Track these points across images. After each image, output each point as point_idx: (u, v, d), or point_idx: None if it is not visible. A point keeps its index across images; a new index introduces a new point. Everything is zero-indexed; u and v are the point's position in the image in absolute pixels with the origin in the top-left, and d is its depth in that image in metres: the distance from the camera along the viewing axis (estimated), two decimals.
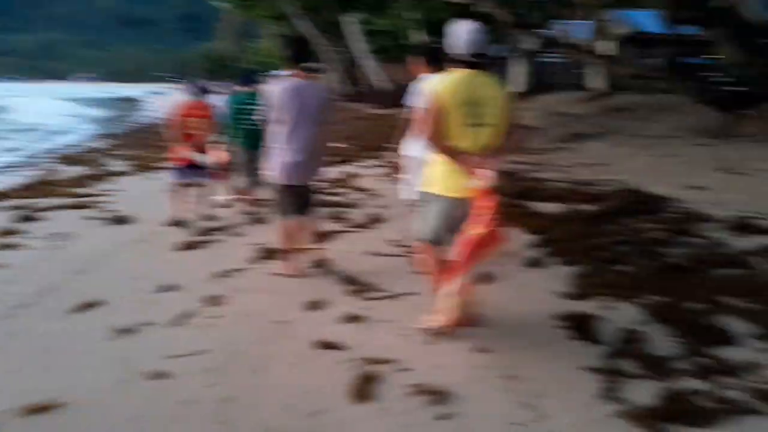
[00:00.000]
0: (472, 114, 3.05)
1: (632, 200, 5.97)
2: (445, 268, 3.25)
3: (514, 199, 6.67)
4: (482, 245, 3.03)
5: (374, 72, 30.31)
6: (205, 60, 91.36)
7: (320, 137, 4.26)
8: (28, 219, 6.36)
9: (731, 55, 11.49)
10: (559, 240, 4.97)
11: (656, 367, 2.85)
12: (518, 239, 5.21)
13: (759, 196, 6.38)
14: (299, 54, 4.22)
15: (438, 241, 3.32)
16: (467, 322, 3.39)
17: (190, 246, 5.48)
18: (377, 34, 31.25)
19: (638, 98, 17.00)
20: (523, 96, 23.80)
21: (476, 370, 3.04)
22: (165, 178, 7.98)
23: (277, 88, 4.19)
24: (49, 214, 6.69)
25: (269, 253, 5.08)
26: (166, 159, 11.06)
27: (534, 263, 4.56)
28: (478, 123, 3.07)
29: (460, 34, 3.06)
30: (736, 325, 3.34)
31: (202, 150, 6.21)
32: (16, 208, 6.85)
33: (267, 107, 4.24)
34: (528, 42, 27.27)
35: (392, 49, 34.54)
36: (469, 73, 3.08)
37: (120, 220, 6.52)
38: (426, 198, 3.30)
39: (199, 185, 6.37)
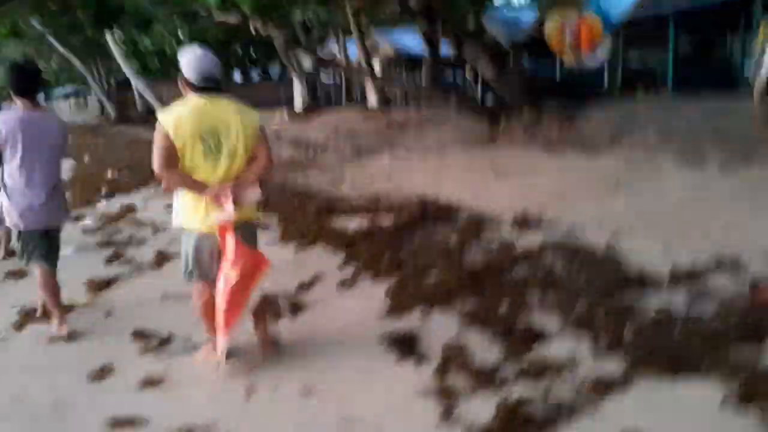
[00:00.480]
0: (209, 143, 2.93)
1: (426, 210, 6.20)
2: (212, 306, 3.09)
3: (314, 218, 6.55)
4: (243, 283, 2.95)
5: (144, 93, 28.17)
6: None
7: (57, 173, 3.94)
8: None
9: (485, 72, 12.92)
10: (364, 256, 4.90)
11: (485, 377, 2.83)
12: (325, 261, 5.06)
13: (527, 195, 7.12)
14: (25, 82, 3.77)
15: (200, 276, 3.15)
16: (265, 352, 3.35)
17: None
18: (143, 54, 29.27)
19: (411, 114, 18.29)
20: (303, 115, 24.21)
21: (307, 418, 2.75)
22: None
23: (4, 120, 3.70)
24: None
25: (34, 314, 4.21)
26: None
27: (345, 284, 4.41)
28: (217, 152, 2.95)
29: (189, 59, 2.97)
30: (545, 320, 3.48)
31: None
32: None
33: None
34: (305, 61, 27.88)
35: (160, 69, 32.67)
36: (205, 99, 2.96)
37: None
38: (181, 232, 3.17)
39: None
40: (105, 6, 15.06)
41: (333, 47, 31.68)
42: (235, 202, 2.90)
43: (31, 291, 4.32)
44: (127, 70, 27.35)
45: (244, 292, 2.98)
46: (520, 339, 3.19)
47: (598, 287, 3.77)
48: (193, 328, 3.76)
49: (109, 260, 5.67)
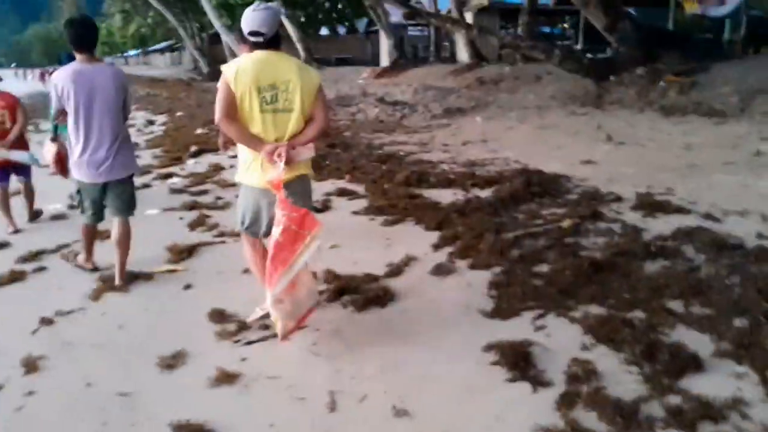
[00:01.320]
0: (266, 96, 2.90)
1: (529, 182, 5.51)
2: (263, 261, 3.07)
3: (404, 187, 6.04)
4: (287, 241, 2.87)
5: (233, 47, 28.42)
6: (41, 43, 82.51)
7: (122, 126, 3.91)
8: None
9: (595, 21, 11.64)
10: (461, 238, 4.34)
11: (625, 416, 2.23)
12: (416, 239, 4.55)
13: (648, 168, 6.24)
14: (83, 36, 3.75)
15: (252, 232, 3.23)
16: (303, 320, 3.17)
17: (13, 277, 4.27)
18: (232, 7, 29.49)
19: (505, 69, 17.15)
20: (389, 71, 23.46)
21: None
22: None
23: (58, 76, 3.72)
24: None
25: (113, 282, 4.01)
26: None
27: (440, 270, 3.88)
28: (273, 106, 2.92)
29: (245, 14, 2.92)
30: (694, 339, 2.81)
31: (17, 145, 5.42)
32: None
33: (53, 97, 3.77)
34: (392, 14, 26.97)
35: None
36: (268, 54, 2.93)
37: None
38: (241, 187, 3.21)
39: (25, 185, 5.73)
40: None
41: None
42: (288, 162, 2.88)
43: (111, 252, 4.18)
44: (216, 24, 27.68)
45: (287, 250, 2.88)
46: (666, 365, 2.54)
47: (762, 295, 3.02)
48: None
49: (193, 225, 5.45)
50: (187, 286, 4.01)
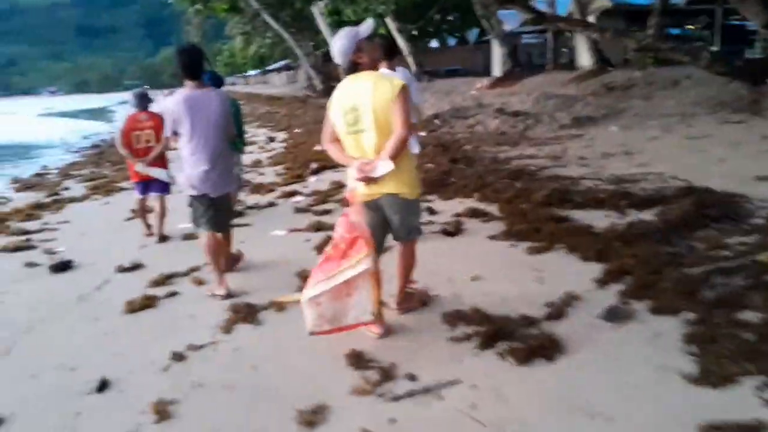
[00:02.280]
0: (348, 119, 3.07)
1: (700, 203, 4.70)
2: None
3: (544, 207, 5.42)
4: (335, 257, 3.03)
5: None
6: (171, 65, 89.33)
7: (225, 146, 4.24)
8: None
9: (753, 17, 10.29)
10: (633, 271, 3.67)
11: None
12: (573, 273, 3.93)
13: None
14: (190, 64, 4.07)
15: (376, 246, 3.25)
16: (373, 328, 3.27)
17: (145, 304, 4.18)
18: (345, 25, 29.90)
19: (635, 74, 15.84)
20: (504, 80, 22.62)
21: None
22: (123, 201, 7.77)
23: (170, 101, 4.12)
24: None
25: (247, 311, 3.79)
26: (127, 177, 9.89)
27: (614, 314, 3.24)
28: (355, 128, 3.07)
29: (335, 41, 3.09)
30: None
31: (158, 162, 5.89)
32: None
33: (167, 121, 4.14)
34: (506, 21, 26.14)
35: None
36: (351, 78, 3.10)
37: (62, 267, 5.33)
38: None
39: (160, 201, 6.01)
40: None
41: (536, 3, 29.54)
42: (365, 179, 2.99)
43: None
44: (332, 41, 28.33)
45: (332, 263, 3.03)
46: None
47: None
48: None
49: (320, 248, 5.18)
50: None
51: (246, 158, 8.95)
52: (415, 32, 30.81)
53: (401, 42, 26.66)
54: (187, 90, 4.06)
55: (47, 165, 15.46)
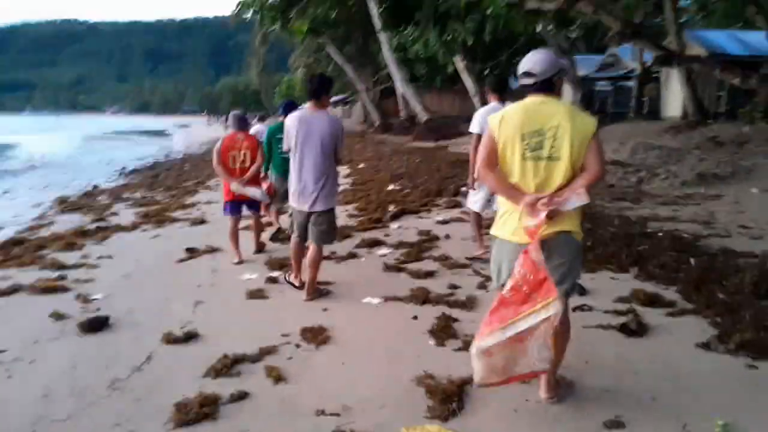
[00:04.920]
0: (530, 144, 2.66)
1: None
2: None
3: (754, 297, 3.86)
4: (515, 302, 2.58)
5: (411, 100, 27.96)
6: (230, 93, 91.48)
7: (328, 166, 4.42)
8: None
9: None
10: None
11: None
12: None
13: None
14: (316, 88, 4.41)
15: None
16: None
17: (201, 413, 2.82)
18: (412, 62, 29.28)
19: (744, 129, 14.14)
20: None
21: None
22: (175, 235, 7.28)
23: (289, 119, 4.47)
24: None
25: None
26: (181, 206, 8.91)
27: None
28: (537, 154, 2.65)
29: (533, 54, 2.79)
30: None
31: (253, 182, 5.95)
32: None
33: (284, 138, 4.50)
34: (580, 66, 24.72)
35: (425, 77, 32.43)
36: (536, 99, 2.72)
37: (95, 326, 4.15)
38: (495, 241, 2.92)
39: (255, 218, 6.24)
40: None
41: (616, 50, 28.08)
42: (551, 215, 2.56)
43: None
44: (396, 76, 27.46)
45: (510, 309, 2.60)
46: None
47: None
48: None
49: (437, 332, 3.77)
50: None
51: None
52: (484, 72, 29.73)
53: (468, 81, 25.54)
54: (305, 110, 4.48)
55: (98, 185, 14.76)
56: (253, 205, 6.10)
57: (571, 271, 2.75)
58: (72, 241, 7.21)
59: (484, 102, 5.56)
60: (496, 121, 2.75)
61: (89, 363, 3.54)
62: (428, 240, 6.42)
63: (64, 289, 5.17)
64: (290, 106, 6.32)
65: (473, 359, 2.71)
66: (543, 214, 2.54)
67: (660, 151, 12.76)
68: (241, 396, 2.96)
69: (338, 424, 2.63)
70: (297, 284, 4.75)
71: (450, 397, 2.74)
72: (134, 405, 2.97)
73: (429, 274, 5.06)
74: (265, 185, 6.18)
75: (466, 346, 3.44)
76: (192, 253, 6.36)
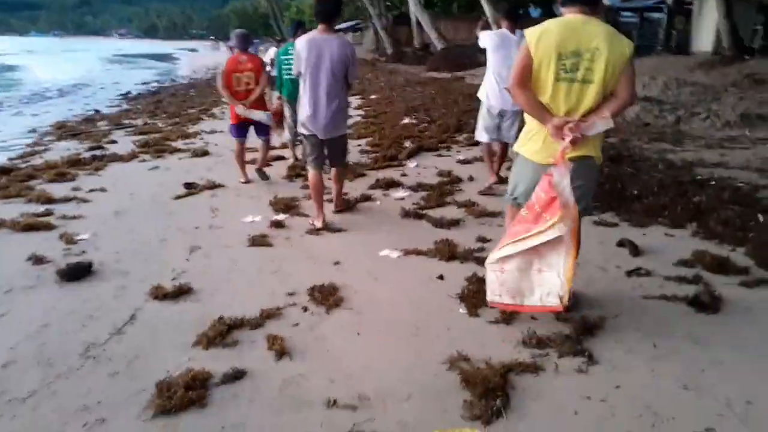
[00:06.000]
0: (565, 64, 2.56)
1: None
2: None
3: None
4: (526, 220, 2.64)
5: (426, 27, 26.52)
6: (238, 17, 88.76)
7: (340, 90, 4.29)
8: None
9: None
10: None
11: None
12: None
13: None
14: (324, 9, 4.21)
15: (518, 204, 2.88)
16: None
17: (187, 398, 2.36)
18: None
19: None
20: None
21: None
22: (174, 167, 6.80)
23: (298, 42, 4.26)
24: None
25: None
26: (182, 135, 8.95)
27: None
28: (572, 75, 2.57)
29: None
30: None
31: (257, 104, 5.79)
32: None
33: (294, 60, 4.29)
34: None
35: (442, 4, 30.66)
36: (577, 18, 2.59)
37: (75, 274, 3.65)
38: (517, 157, 2.94)
39: (262, 142, 6.05)
40: None
41: None
42: (575, 141, 2.54)
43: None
44: (412, 2, 25.94)
45: (522, 226, 2.63)
46: None
47: None
48: None
49: (465, 297, 3.23)
50: None
51: None
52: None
53: (487, 8, 24.09)
54: (314, 33, 4.24)
55: (100, 110, 14.05)
56: (261, 129, 5.95)
57: (588, 192, 2.81)
58: (64, 171, 6.68)
59: None
60: (534, 37, 2.60)
61: (64, 320, 3.06)
62: (450, 182, 5.82)
63: (49, 227, 4.67)
64: (300, 27, 6.22)
65: (487, 271, 2.78)
66: (569, 139, 2.52)
67: (694, 88, 11.83)
68: (237, 375, 2.46)
69: (354, 421, 2.12)
70: (320, 225, 4.48)
71: (492, 391, 2.20)
72: (108, 382, 2.47)
73: (453, 224, 4.48)
74: (272, 108, 5.98)
75: (504, 318, 2.89)
76: (191, 188, 5.82)
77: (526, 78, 2.64)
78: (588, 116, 2.59)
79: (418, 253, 3.88)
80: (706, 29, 19.11)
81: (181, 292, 3.35)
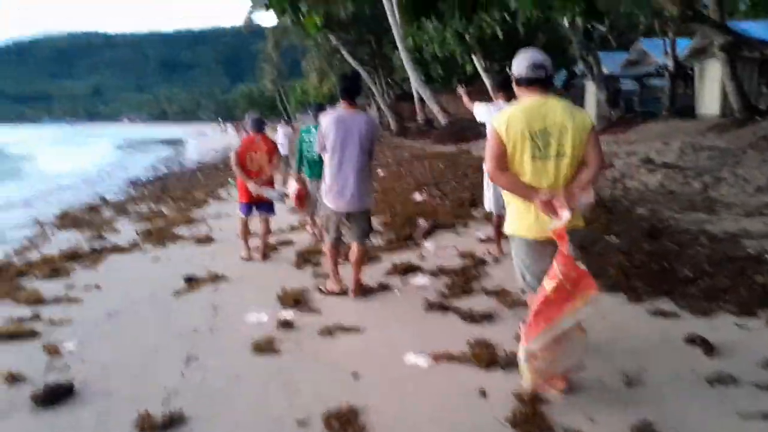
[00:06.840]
0: (538, 144, 2.71)
1: None
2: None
3: None
4: (557, 296, 2.57)
5: (428, 101, 26.85)
6: (245, 101, 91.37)
7: (366, 165, 4.44)
8: None
9: None
10: None
11: None
12: None
13: None
14: (348, 87, 4.44)
15: (533, 288, 2.84)
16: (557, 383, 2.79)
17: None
18: (427, 63, 28.28)
19: None
20: (615, 127, 19.82)
21: None
22: (176, 258, 6.46)
23: (324, 119, 4.40)
24: None
25: None
26: (187, 220, 8.72)
27: None
28: (545, 153, 2.72)
29: (520, 56, 2.84)
30: None
31: (268, 183, 6.08)
32: None
33: (318, 137, 4.44)
34: (604, 64, 23.41)
35: (442, 78, 31.23)
36: (537, 99, 2.77)
37: (51, 398, 3.11)
38: (511, 240, 2.99)
39: (265, 221, 6.17)
40: None
41: (643, 45, 26.69)
42: (569, 208, 2.63)
43: None
44: (413, 77, 26.32)
45: (555, 308, 2.60)
46: None
47: None
48: None
49: (514, 422, 2.66)
50: None
51: None
52: (502, 71, 28.55)
53: (487, 80, 24.43)
54: (340, 110, 4.40)
55: (106, 197, 13.88)
56: (264, 207, 6.15)
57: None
58: (59, 265, 6.26)
59: None
60: (502, 124, 2.74)
61: None
62: (473, 264, 5.32)
63: (33, 335, 4.17)
64: (320, 109, 6.31)
65: (522, 365, 2.73)
66: (566, 214, 2.56)
67: (711, 152, 11.53)
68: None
69: None
70: (338, 290, 4.63)
71: None
72: None
73: (486, 318, 3.94)
74: (290, 188, 6.11)
75: None
76: (191, 283, 5.35)
77: (503, 162, 2.76)
78: (569, 186, 2.71)
79: (450, 358, 3.33)
80: (710, 92, 19.10)
81: (172, 421, 2.79)
